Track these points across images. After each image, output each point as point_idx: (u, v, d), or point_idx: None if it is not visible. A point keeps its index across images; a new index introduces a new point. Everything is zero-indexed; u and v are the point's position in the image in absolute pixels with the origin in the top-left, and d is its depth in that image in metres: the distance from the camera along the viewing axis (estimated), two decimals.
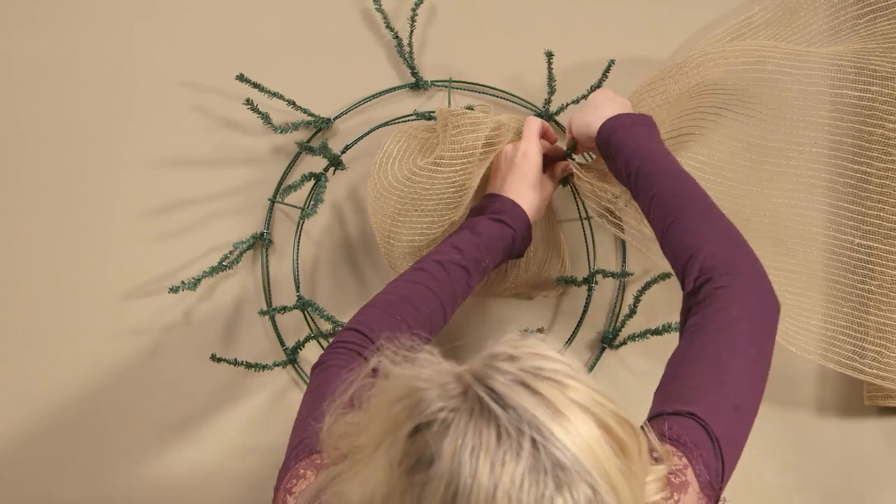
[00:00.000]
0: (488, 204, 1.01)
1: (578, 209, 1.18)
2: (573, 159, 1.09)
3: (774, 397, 1.19)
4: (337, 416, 0.70)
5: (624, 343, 1.20)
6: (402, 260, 1.07)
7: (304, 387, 1.18)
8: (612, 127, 0.97)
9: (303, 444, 0.78)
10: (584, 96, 1.14)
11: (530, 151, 1.03)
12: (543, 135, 1.06)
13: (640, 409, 1.22)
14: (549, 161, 1.08)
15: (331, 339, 0.92)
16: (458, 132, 1.00)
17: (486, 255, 0.97)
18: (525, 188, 1.02)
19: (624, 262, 1.20)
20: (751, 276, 0.84)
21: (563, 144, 1.09)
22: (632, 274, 1.20)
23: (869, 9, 1.07)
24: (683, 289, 0.87)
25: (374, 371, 0.68)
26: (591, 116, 1.01)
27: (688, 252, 0.86)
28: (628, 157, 0.94)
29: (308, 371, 1.18)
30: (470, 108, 1.12)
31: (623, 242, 1.20)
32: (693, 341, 0.82)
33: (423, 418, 0.58)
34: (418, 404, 0.58)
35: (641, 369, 1.22)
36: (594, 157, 1.11)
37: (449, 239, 0.98)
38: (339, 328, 1.13)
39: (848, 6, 1.09)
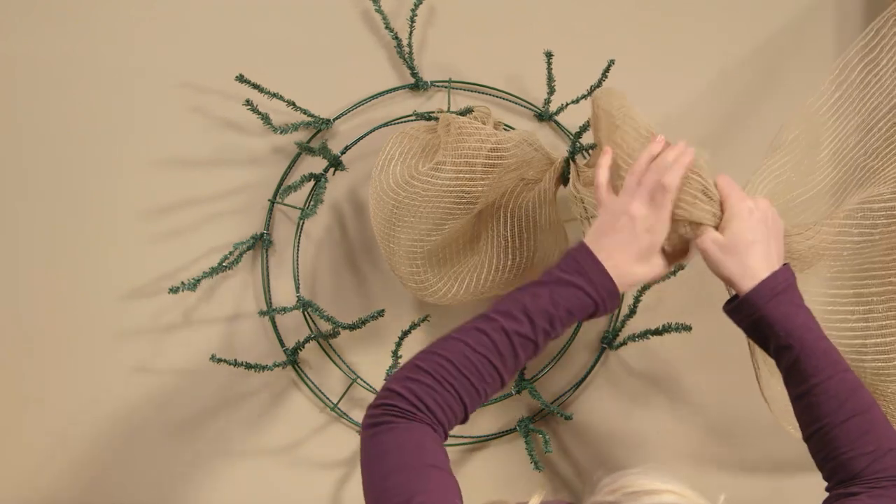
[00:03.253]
0: (582, 266, 0.88)
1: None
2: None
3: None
4: None
5: (624, 343, 1.20)
6: (401, 264, 1.06)
7: (304, 388, 1.18)
8: (762, 301, 0.88)
9: None
10: (584, 96, 1.14)
11: (659, 228, 0.89)
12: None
13: (640, 409, 1.23)
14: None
15: (380, 394, 0.84)
16: (460, 139, 0.99)
17: (558, 327, 0.87)
18: (632, 262, 0.90)
19: None
20: None
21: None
22: None
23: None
24: (846, 476, 0.85)
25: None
26: (737, 264, 0.90)
27: (877, 450, 0.85)
28: (782, 338, 0.88)
29: (308, 372, 1.18)
30: (469, 109, 1.12)
31: None
32: None
33: None
34: None
35: (641, 370, 1.23)
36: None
37: (523, 300, 0.86)
38: (338, 328, 1.13)
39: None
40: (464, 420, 0.86)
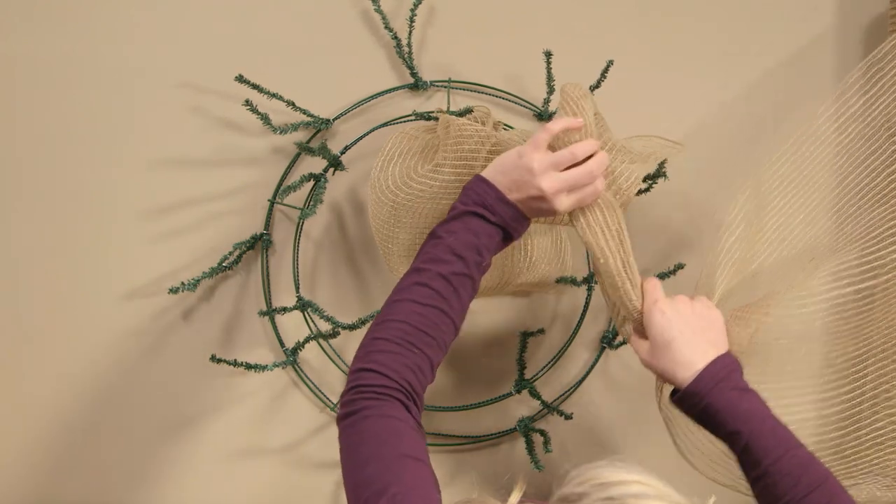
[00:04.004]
0: (495, 204, 0.91)
1: None
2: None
3: None
4: None
5: (624, 343, 1.20)
6: (400, 264, 1.06)
7: (304, 388, 1.18)
8: (704, 390, 0.90)
9: None
10: None
11: (562, 206, 0.93)
12: None
13: (640, 408, 1.23)
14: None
15: (349, 379, 0.85)
16: (459, 141, 0.99)
17: (486, 255, 0.91)
18: (536, 213, 0.94)
19: None
20: None
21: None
22: None
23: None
24: None
25: None
26: (667, 362, 0.93)
27: None
28: (729, 423, 0.90)
29: (308, 372, 1.18)
30: (469, 109, 1.12)
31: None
32: None
33: None
34: None
35: (641, 369, 1.22)
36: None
37: (445, 242, 0.90)
38: (338, 329, 1.13)
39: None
40: (431, 379, 0.87)
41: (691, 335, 0.93)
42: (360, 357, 0.86)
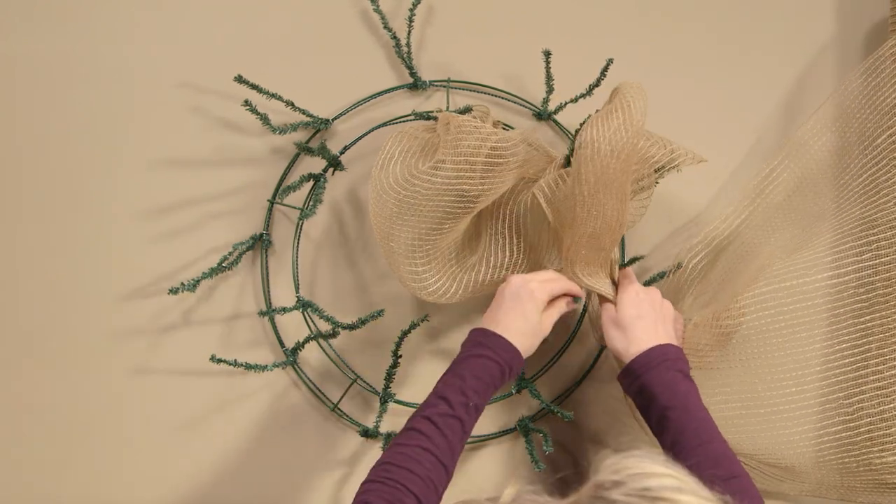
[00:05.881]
0: (476, 339, 0.98)
1: None
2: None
3: None
4: None
5: None
6: (401, 263, 1.06)
7: (304, 388, 1.18)
8: (651, 364, 0.97)
9: None
10: (583, 95, 1.14)
11: (538, 292, 1.00)
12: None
13: None
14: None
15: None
16: (459, 138, 0.99)
17: (472, 395, 0.94)
18: (520, 326, 0.99)
19: (623, 261, 1.20)
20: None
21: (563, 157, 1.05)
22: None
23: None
24: None
25: None
26: (623, 337, 1.00)
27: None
28: (665, 401, 0.95)
29: (308, 372, 1.18)
30: (468, 108, 1.12)
31: (622, 241, 1.20)
32: None
33: None
34: None
35: None
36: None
37: (436, 387, 0.96)
38: (339, 329, 1.13)
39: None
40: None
41: (653, 320, 1.00)
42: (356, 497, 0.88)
